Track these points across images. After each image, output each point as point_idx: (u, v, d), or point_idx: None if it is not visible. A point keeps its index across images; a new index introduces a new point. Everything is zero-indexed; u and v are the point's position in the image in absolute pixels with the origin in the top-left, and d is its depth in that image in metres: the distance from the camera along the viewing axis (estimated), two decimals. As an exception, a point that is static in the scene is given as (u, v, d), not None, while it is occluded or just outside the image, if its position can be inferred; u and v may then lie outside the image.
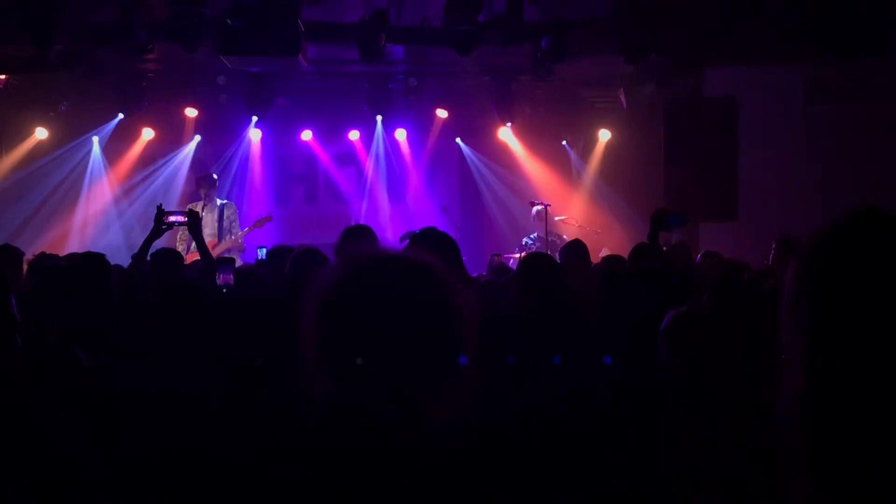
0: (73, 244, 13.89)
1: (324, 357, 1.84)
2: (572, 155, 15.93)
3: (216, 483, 2.57)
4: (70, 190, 15.26)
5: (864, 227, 1.73)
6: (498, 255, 11.21)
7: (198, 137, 15.53)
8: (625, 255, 8.98)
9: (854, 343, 1.61)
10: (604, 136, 15.50)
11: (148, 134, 15.38)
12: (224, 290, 6.65)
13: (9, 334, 3.27)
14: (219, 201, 12.42)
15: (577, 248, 7.69)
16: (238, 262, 11.50)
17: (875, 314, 1.61)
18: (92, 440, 3.12)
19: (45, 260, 7.35)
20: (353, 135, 15.77)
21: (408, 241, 4.69)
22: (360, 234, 5.28)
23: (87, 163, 15.35)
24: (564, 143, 15.87)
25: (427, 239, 4.30)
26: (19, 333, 3.37)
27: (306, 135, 15.65)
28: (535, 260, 5.20)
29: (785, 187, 12.23)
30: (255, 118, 14.97)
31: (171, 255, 6.79)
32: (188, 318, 3.69)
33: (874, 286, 1.63)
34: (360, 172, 16.17)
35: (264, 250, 10.18)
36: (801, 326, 1.69)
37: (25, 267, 7.49)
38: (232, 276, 6.97)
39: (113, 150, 15.42)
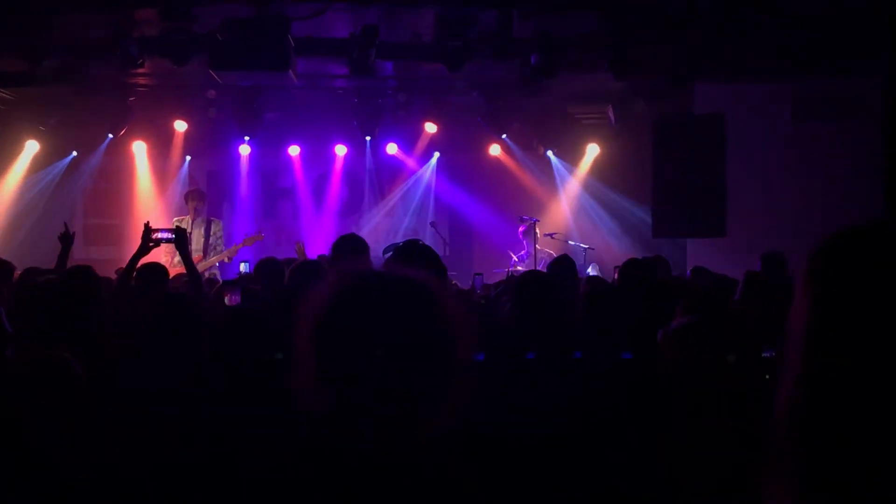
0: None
1: (321, 373, 1.85)
2: (556, 163, 15.98)
3: (210, 495, 2.59)
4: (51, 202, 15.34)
5: (871, 234, 1.75)
6: (480, 273, 11.25)
7: (188, 158, 15.61)
8: (612, 269, 9.05)
9: (856, 349, 1.63)
10: (592, 151, 15.59)
11: (139, 148, 15.46)
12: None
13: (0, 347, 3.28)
14: (205, 217, 12.36)
15: (564, 264, 7.71)
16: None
17: (880, 321, 1.63)
18: (83, 448, 3.13)
19: (33, 274, 7.35)
20: (341, 149, 15.81)
21: (391, 253, 4.71)
22: (354, 246, 5.27)
23: (60, 177, 15.43)
24: (550, 152, 15.93)
25: (410, 252, 4.33)
26: (10, 346, 3.37)
27: (294, 150, 15.71)
28: (531, 279, 5.23)
29: (772, 204, 12.28)
30: (247, 138, 15.04)
31: (157, 269, 6.80)
32: (183, 331, 3.70)
33: (878, 293, 1.65)
34: (349, 187, 16.22)
35: (247, 265, 10.15)
36: (804, 331, 1.70)
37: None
38: (239, 297, 6.98)
39: (104, 165, 15.48)
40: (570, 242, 14.18)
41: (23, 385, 3.24)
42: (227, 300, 6.82)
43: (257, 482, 1.88)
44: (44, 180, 15.35)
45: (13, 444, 2.75)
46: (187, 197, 12.52)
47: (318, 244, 14.86)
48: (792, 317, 1.73)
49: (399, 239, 15.40)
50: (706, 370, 3.60)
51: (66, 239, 6.82)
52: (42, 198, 15.29)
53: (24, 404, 3.12)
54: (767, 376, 3.82)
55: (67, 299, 4.82)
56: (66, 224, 6.80)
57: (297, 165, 15.96)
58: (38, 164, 15.17)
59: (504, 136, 15.27)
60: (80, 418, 3.20)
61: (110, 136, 14.79)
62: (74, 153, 15.40)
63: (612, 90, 13.09)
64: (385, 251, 11.27)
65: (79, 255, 14.30)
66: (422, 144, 15.77)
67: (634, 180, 14.56)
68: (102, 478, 3.05)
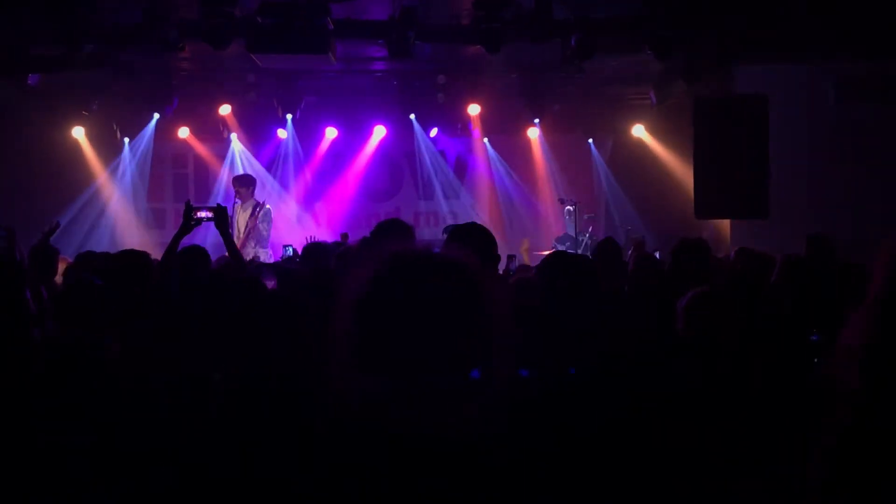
0: (107, 243, 14.01)
1: (359, 357, 1.83)
2: (595, 153, 15.93)
3: (243, 477, 2.58)
4: (106, 191, 15.54)
5: None
6: (513, 255, 11.21)
7: (235, 136, 15.66)
8: (650, 251, 8.95)
9: None
10: (634, 132, 15.52)
11: (183, 133, 15.55)
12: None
13: (24, 327, 3.28)
14: (254, 200, 12.48)
15: (609, 247, 7.64)
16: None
17: None
18: (116, 429, 3.13)
19: (89, 258, 7.39)
20: (380, 132, 15.77)
21: (447, 234, 4.71)
22: (394, 231, 5.22)
23: (121, 165, 15.59)
24: (590, 141, 15.88)
25: (466, 234, 4.33)
26: (35, 327, 3.38)
27: (331, 132, 15.69)
28: (558, 259, 5.16)
29: (815, 185, 12.12)
30: (289, 116, 15.06)
31: (199, 252, 6.82)
32: (222, 312, 3.70)
33: None
34: (388, 170, 16.21)
35: (291, 248, 10.21)
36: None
37: (61, 265, 7.55)
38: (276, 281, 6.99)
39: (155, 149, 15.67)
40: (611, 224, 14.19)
41: (60, 364, 3.25)
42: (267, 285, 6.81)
43: (290, 469, 1.86)
44: (125, 175, 15.59)
45: (31, 427, 2.76)
46: (234, 181, 12.78)
47: (358, 227, 14.92)
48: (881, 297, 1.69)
49: (439, 222, 15.44)
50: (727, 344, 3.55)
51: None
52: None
53: (55, 383, 3.14)
54: (816, 360, 3.75)
55: (118, 284, 4.85)
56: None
57: (337, 149, 15.95)
58: (85, 150, 15.35)
59: (536, 120, 15.21)
60: (113, 397, 3.21)
61: (156, 115, 14.88)
62: (126, 139, 15.53)
63: (653, 71, 12.96)
64: (445, 230, 11.36)
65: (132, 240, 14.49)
66: (463, 126, 15.71)
67: (677, 161, 14.46)
68: (131, 459, 3.05)
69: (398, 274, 1.89)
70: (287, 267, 6.76)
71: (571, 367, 4.04)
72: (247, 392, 3.24)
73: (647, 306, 4.98)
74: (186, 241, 6.55)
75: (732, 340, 3.59)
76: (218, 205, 6.77)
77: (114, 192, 15.57)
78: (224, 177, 15.62)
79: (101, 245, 12.98)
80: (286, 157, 15.99)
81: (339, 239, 10.47)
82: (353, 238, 10.47)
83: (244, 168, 15.27)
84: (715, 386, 3.50)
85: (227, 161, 15.74)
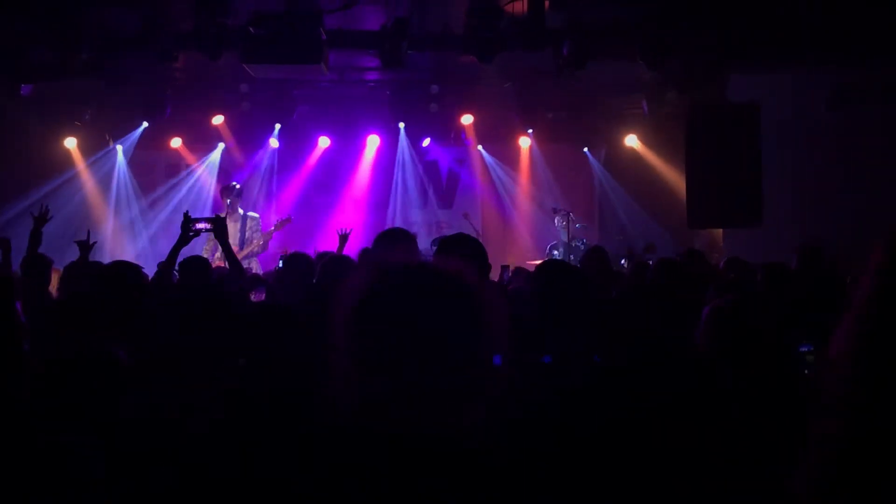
0: (103, 254, 13.98)
1: (355, 364, 1.85)
2: (593, 162, 15.95)
3: (243, 478, 2.60)
4: (97, 199, 15.49)
5: None
6: (507, 265, 11.23)
7: (221, 145, 15.67)
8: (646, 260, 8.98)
9: None
10: (626, 142, 15.54)
11: (176, 142, 15.55)
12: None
13: (15, 341, 3.28)
14: (241, 212, 12.49)
15: (597, 255, 7.70)
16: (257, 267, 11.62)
17: None
18: (116, 430, 3.14)
19: (77, 268, 7.41)
20: (373, 142, 15.80)
21: (437, 245, 4.70)
22: (396, 240, 5.20)
23: (113, 173, 15.56)
24: (586, 150, 15.90)
25: (456, 245, 4.33)
26: (26, 340, 3.38)
27: (324, 142, 15.71)
28: (550, 267, 5.19)
29: (809, 192, 12.15)
30: (278, 125, 15.06)
31: (200, 262, 6.81)
32: (219, 324, 3.71)
33: None
34: (381, 180, 16.21)
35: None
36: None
37: (54, 276, 7.56)
38: (264, 294, 6.99)
39: (141, 159, 15.64)
40: (601, 233, 14.20)
41: (61, 366, 3.26)
42: (252, 297, 6.80)
43: (291, 472, 1.88)
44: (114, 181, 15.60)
45: (25, 443, 2.77)
46: (222, 192, 12.69)
47: (353, 238, 14.91)
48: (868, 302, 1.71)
49: (431, 231, 15.43)
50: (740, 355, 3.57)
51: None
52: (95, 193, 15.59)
53: (64, 395, 3.15)
54: (806, 371, 3.76)
55: (113, 294, 4.85)
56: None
57: (330, 158, 15.96)
58: (76, 160, 15.33)
59: (530, 131, 15.27)
60: (124, 411, 3.22)
61: (145, 123, 14.90)
62: (119, 147, 15.52)
63: (646, 80, 13.01)
64: (433, 242, 11.33)
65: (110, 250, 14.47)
66: (456, 136, 15.73)
67: (669, 170, 14.50)
68: (131, 459, 3.06)
69: (395, 280, 1.91)
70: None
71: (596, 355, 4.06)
72: (247, 392, 3.26)
73: (646, 310, 5.01)
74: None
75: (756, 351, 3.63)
76: (216, 215, 6.77)
77: (92, 189, 15.51)
78: (205, 185, 15.67)
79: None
80: (279, 166, 15.98)
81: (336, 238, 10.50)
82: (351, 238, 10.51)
83: (232, 178, 15.29)
84: (715, 388, 3.52)
85: (216, 171, 15.78)
